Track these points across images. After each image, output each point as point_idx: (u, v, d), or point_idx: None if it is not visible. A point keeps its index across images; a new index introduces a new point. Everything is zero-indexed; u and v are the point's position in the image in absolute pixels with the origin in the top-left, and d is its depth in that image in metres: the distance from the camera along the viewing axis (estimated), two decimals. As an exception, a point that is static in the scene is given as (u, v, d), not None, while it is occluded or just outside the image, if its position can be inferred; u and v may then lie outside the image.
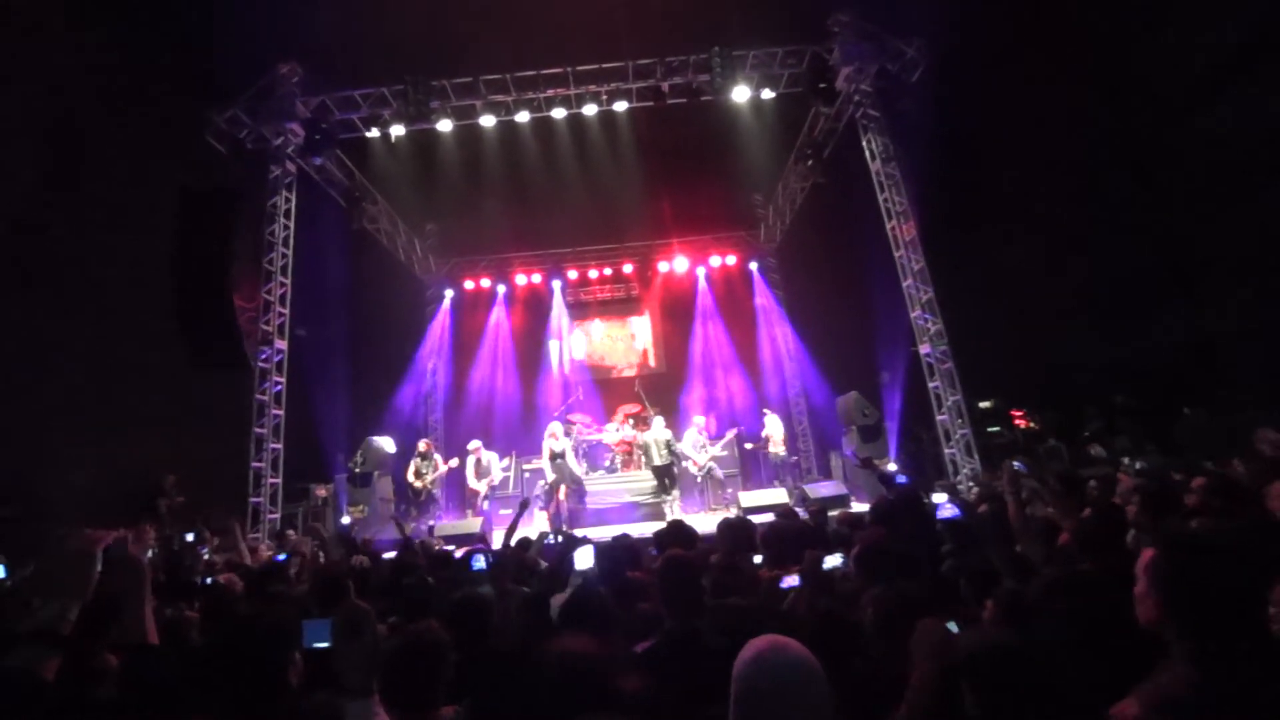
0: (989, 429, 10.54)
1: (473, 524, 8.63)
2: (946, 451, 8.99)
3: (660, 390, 13.89)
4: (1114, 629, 1.69)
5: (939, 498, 5.14)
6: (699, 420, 10.35)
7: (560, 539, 4.45)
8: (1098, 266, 10.97)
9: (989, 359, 10.10)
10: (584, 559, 3.38)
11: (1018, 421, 11.15)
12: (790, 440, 13.84)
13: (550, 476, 9.11)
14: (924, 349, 9.21)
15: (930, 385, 9.16)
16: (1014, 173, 11.01)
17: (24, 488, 8.36)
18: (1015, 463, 3.26)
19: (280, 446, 9.04)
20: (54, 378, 9.05)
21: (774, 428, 10.68)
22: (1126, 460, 7.75)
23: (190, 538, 7.23)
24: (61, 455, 8.79)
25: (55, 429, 8.88)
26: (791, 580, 2.94)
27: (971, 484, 8.30)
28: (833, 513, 6.15)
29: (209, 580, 4.08)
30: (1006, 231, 11.33)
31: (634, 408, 12.43)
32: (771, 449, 10.64)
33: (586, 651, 1.50)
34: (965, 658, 1.47)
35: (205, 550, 6.94)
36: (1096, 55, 10.34)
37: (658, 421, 9.90)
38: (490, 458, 9.98)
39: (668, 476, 9.48)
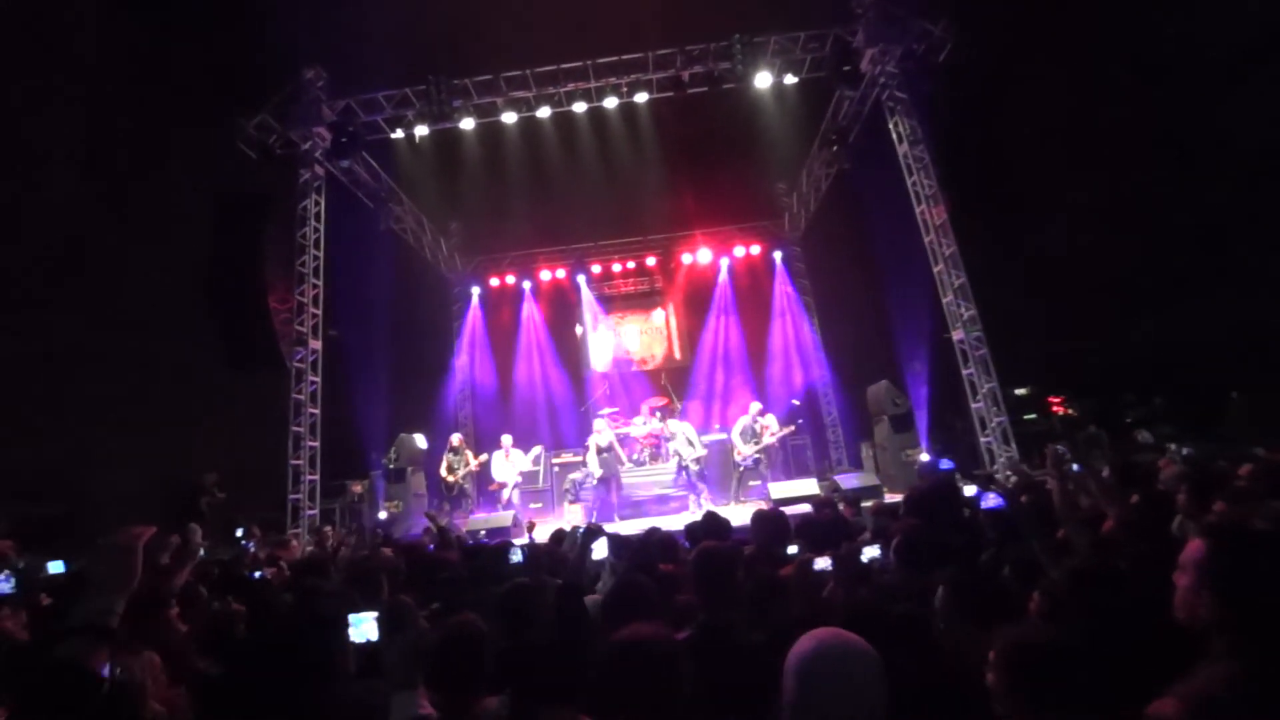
0: (1025, 416, 10.29)
1: (504, 517, 8.73)
2: (982, 440, 8.80)
3: (685, 382, 13.88)
4: (1141, 623, 1.64)
5: (969, 490, 5.02)
6: (755, 407, 10.15)
7: (584, 531, 4.49)
8: (1135, 249, 10.59)
9: (1023, 345, 9.86)
10: (600, 549, 3.40)
11: (1055, 408, 10.87)
12: (818, 431, 13.74)
13: (597, 471, 9.22)
14: (957, 335, 9.01)
15: (964, 372, 8.96)
16: (1046, 154, 10.69)
17: (69, 487, 8.69)
18: (1059, 446, 3.18)
19: (317, 444, 9.26)
20: (95, 380, 9.37)
21: (771, 425, 10.57)
22: (1173, 447, 7.50)
23: (239, 533, 7.50)
24: (104, 455, 9.11)
25: (98, 430, 9.20)
26: (824, 563, 2.91)
27: (1009, 473, 8.11)
28: (866, 504, 6.07)
29: (257, 574, 4.21)
30: (1039, 214, 11.01)
31: (660, 400, 12.42)
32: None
33: (657, 637, 1.49)
34: (996, 650, 1.47)
35: (251, 545, 7.17)
36: (1131, 31, 9.96)
37: (674, 422, 9.93)
38: (516, 453, 10.10)
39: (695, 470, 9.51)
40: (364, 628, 1.99)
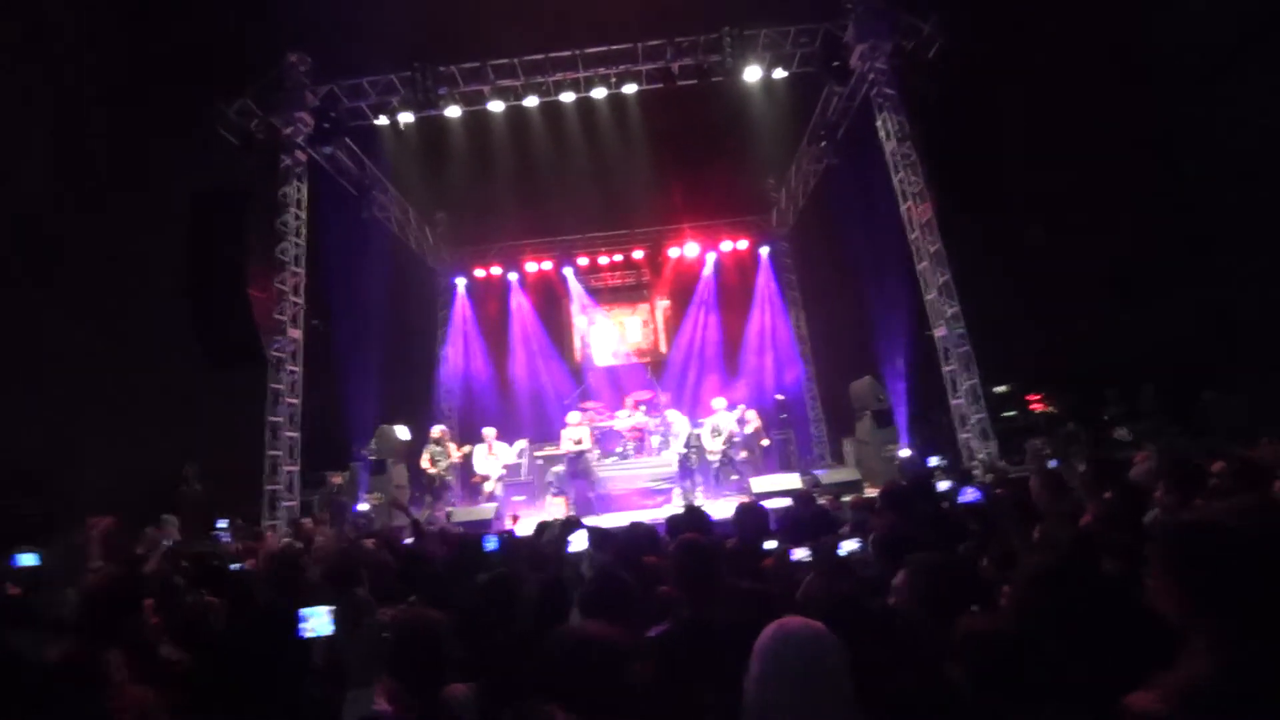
0: (1004, 413, 10.39)
1: (486, 509, 8.69)
2: (961, 436, 8.88)
3: (671, 376, 13.89)
4: (1114, 616, 1.66)
5: (943, 485, 5.07)
6: (718, 404, 10.17)
7: (561, 523, 4.47)
8: (1115, 245, 10.72)
9: (1004, 342, 9.95)
10: (579, 541, 3.39)
11: (1035, 405, 11.00)
12: (801, 426, 13.83)
13: (570, 466, 9.24)
14: (939, 332, 9.08)
15: (945, 369, 9.04)
16: (1028, 150, 10.76)
17: (48, 481, 8.50)
18: (1037, 442, 3.21)
19: (297, 435, 9.13)
20: (74, 372, 9.16)
21: (751, 419, 10.58)
22: (1150, 445, 7.62)
23: (224, 524, 7.38)
24: (84, 448, 8.92)
25: (77, 423, 9.00)
26: (801, 554, 2.92)
27: (987, 469, 8.20)
28: (846, 498, 6.12)
29: (235, 566, 4.14)
30: (1020, 211, 11.09)
31: (645, 394, 12.41)
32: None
33: (603, 637, 1.48)
34: (958, 641, 1.50)
35: (228, 537, 7.06)
36: (1114, 28, 10.06)
37: (673, 413, 9.93)
38: (500, 446, 10.05)
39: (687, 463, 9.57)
40: (315, 622, 1.92)
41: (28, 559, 5.48)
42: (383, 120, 9.80)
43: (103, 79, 9.45)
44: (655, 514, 7.96)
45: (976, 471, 8.23)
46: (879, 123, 9.51)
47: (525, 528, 6.05)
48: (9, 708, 1.15)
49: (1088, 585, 1.81)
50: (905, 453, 9.74)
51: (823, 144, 11.01)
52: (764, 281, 14.79)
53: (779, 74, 9.64)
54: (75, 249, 9.39)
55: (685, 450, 9.55)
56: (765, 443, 10.84)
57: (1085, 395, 10.41)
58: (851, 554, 2.87)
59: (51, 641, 1.23)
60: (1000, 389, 10.48)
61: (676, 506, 8.27)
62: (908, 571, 2.05)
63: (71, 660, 1.40)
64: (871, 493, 7.58)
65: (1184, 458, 3.50)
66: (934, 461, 8.46)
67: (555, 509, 9.36)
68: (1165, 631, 1.40)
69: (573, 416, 9.61)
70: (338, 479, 10.37)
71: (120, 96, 9.64)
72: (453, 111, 9.66)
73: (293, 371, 9.22)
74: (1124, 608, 1.68)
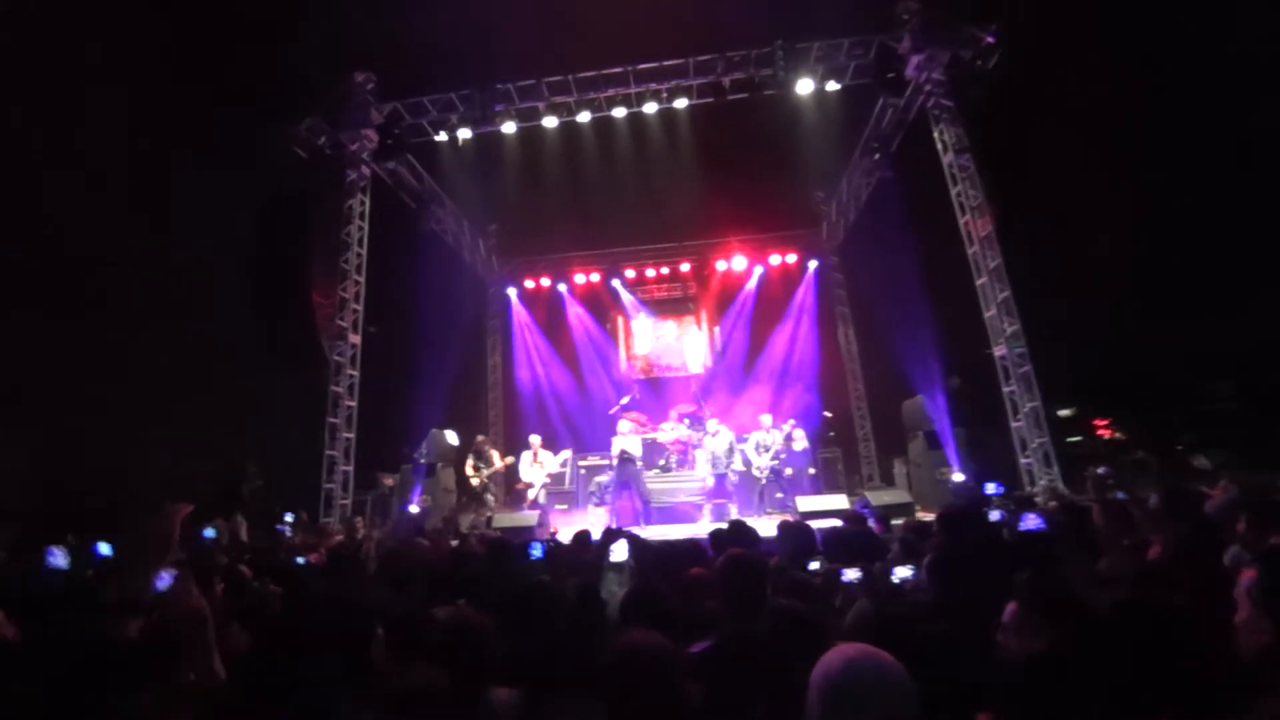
0: (1069, 439, 9.89)
1: (529, 516, 8.79)
2: (1023, 461, 8.49)
3: (716, 390, 13.78)
4: (1188, 656, 1.56)
5: (994, 515, 4.84)
6: (765, 419, 10.04)
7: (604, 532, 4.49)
8: (1185, 259, 10.06)
9: (1068, 362, 9.49)
10: (619, 552, 3.40)
11: (1101, 431, 10.44)
12: (850, 446, 13.47)
13: (618, 474, 9.27)
14: (999, 351, 8.73)
15: (1005, 390, 8.68)
16: (1093, 162, 10.28)
17: (114, 478, 9.01)
18: (1100, 470, 3.06)
19: (353, 436, 9.49)
20: (143, 373, 9.70)
21: (799, 437, 10.34)
22: (1227, 475, 7.10)
23: (289, 518, 7.75)
24: (150, 446, 9.42)
25: (144, 421, 9.51)
26: (852, 574, 2.86)
27: (1050, 498, 7.81)
28: (896, 521, 5.93)
29: (300, 560, 4.34)
30: (1086, 225, 10.59)
31: (689, 407, 12.36)
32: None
33: (658, 647, 1.49)
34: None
35: (288, 531, 7.40)
36: (1182, 31, 9.53)
37: (714, 424, 9.85)
38: (545, 455, 10.17)
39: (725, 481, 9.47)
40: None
41: (105, 548, 5.88)
42: (442, 136, 10.18)
43: (174, 96, 10.03)
44: (697, 529, 7.90)
45: (1038, 499, 7.84)
46: (936, 134, 9.29)
47: (565, 536, 6.10)
48: (92, 682, 1.24)
49: (1159, 623, 1.71)
50: (959, 477, 9.37)
51: (876, 156, 10.80)
52: (815, 296, 14.54)
53: (832, 86, 9.54)
54: (143, 254, 9.94)
55: (727, 468, 9.44)
56: (811, 471, 10.62)
57: (1155, 420, 9.82)
58: (905, 580, 2.78)
59: (128, 621, 1.32)
60: (1064, 412, 10.00)
61: (720, 522, 8.18)
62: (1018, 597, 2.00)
63: (152, 634, 1.51)
64: (923, 516, 7.32)
65: (1269, 491, 3.27)
66: (991, 489, 8.09)
67: (599, 519, 9.40)
68: (1237, 673, 1.32)
69: (624, 425, 9.63)
70: (389, 480, 10.70)
71: (190, 110, 10.19)
72: (508, 127, 9.96)
73: (351, 375, 9.61)
74: (1194, 648, 1.59)
